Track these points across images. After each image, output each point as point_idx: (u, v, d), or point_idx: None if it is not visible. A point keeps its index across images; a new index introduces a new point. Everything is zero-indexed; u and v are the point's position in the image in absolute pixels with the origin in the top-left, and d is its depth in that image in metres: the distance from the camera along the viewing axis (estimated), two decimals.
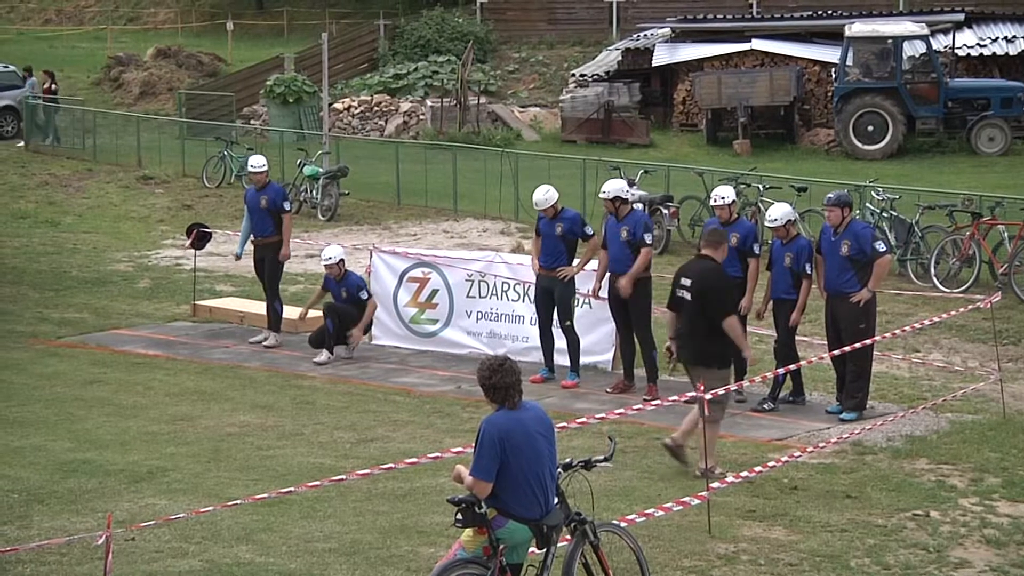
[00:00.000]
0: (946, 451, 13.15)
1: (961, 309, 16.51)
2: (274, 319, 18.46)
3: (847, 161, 33.65)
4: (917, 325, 16.12)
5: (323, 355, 17.53)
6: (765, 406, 14.98)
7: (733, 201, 15.38)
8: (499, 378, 8.25)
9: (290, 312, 19.03)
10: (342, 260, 17.84)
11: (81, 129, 37.31)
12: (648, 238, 15.36)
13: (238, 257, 19.19)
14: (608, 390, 15.74)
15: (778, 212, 14.93)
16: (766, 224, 15.40)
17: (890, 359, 16.95)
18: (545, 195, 16.09)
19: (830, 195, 14.80)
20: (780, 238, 14.95)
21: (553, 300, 16.14)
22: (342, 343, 17.79)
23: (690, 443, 12.60)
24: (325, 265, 17.94)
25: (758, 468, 12.14)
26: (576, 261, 16.19)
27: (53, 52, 53.19)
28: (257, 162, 18.67)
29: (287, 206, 18.39)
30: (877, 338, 14.77)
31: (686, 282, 12.73)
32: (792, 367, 14.48)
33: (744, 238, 15.14)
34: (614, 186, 15.72)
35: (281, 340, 18.39)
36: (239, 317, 19.76)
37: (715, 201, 15.42)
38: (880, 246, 14.39)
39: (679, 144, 37.19)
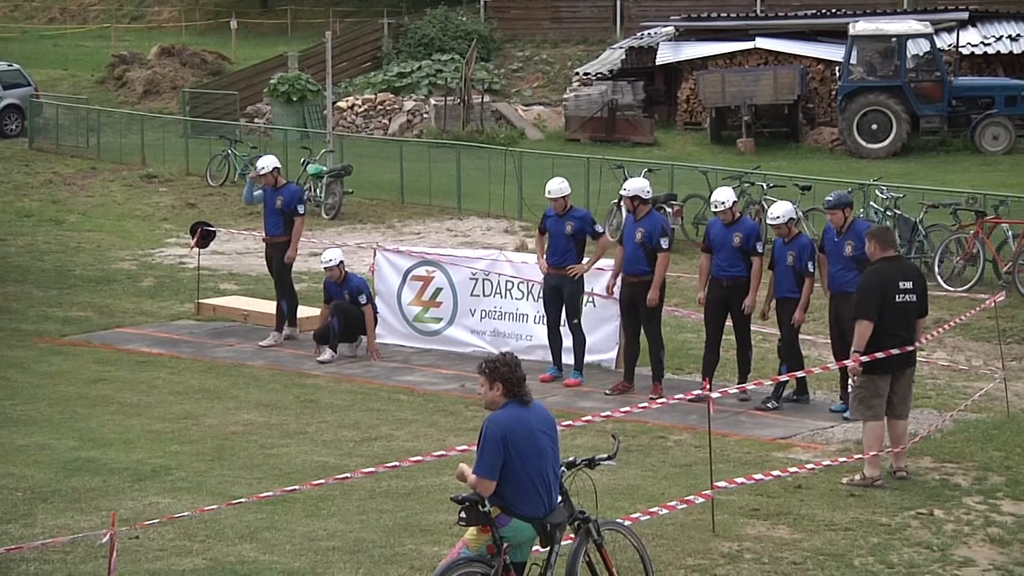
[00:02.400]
0: (950, 450, 13.14)
1: (968, 312, 16.44)
2: (280, 318, 18.45)
3: (851, 160, 33.63)
4: (930, 336, 15.99)
5: (327, 354, 17.53)
6: (769, 404, 14.97)
7: (734, 202, 15.35)
8: (520, 371, 8.32)
9: (304, 311, 18.95)
10: (342, 263, 17.77)
11: (85, 128, 37.33)
12: (664, 243, 15.32)
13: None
14: (607, 391, 15.71)
15: (780, 210, 14.92)
16: (768, 222, 15.37)
17: None
18: (559, 185, 16.13)
19: (829, 198, 14.77)
20: (782, 236, 14.93)
21: (562, 298, 16.14)
22: (347, 341, 17.80)
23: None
24: (325, 268, 17.91)
25: (776, 472, 12.13)
26: (586, 260, 16.19)
27: (57, 50, 53.23)
28: (260, 164, 18.61)
29: (301, 209, 18.25)
30: None
31: (908, 285, 12.13)
32: (799, 374, 14.39)
33: (747, 237, 15.12)
34: (634, 185, 15.69)
35: (280, 339, 18.36)
36: (243, 315, 19.76)
37: (716, 207, 15.37)
38: (810, 266, 14.31)
39: (683, 143, 37.19)
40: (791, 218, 14.88)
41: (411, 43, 45.56)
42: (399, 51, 45.63)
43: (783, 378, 14.50)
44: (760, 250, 15.21)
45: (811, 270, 14.73)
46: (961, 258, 20.97)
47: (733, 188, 17.33)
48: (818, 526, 11.06)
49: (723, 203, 15.20)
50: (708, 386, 12.17)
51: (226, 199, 30.90)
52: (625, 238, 15.62)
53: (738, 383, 14.74)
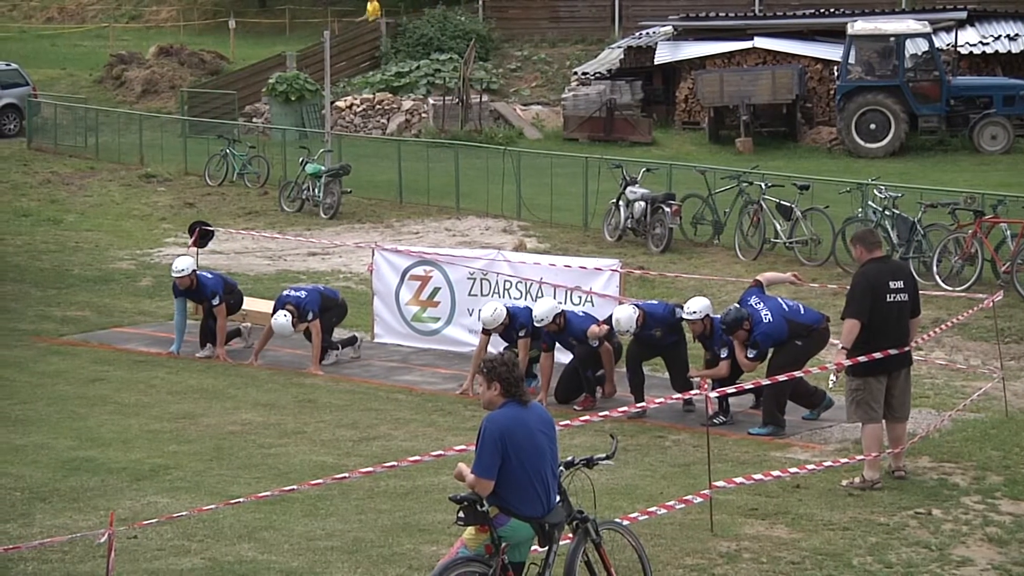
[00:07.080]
0: (948, 449, 13.14)
1: (966, 312, 16.44)
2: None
3: (849, 159, 33.63)
4: (928, 336, 15.96)
5: (332, 356, 17.54)
6: (716, 420, 14.69)
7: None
8: (518, 370, 8.36)
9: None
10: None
11: (84, 127, 37.31)
12: (607, 340, 15.26)
13: (174, 355, 17.97)
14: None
15: (697, 305, 14.73)
16: (684, 316, 14.85)
17: None
18: (493, 315, 15.73)
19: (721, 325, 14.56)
20: (696, 332, 14.80)
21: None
22: (350, 344, 17.86)
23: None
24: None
25: (774, 472, 12.12)
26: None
27: (55, 50, 53.21)
28: (177, 267, 17.94)
29: (216, 301, 17.83)
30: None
31: (898, 284, 11.98)
32: (785, 377, 14.19)
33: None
34: (545, 310, 15.33)
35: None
36: (241, 315, 19.73)
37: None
38: (723, 353, 14.44)
39: (681, 142, 37.18)
40: (707, 315, 14.69)
41: (409, 43, 45.54)
42: (397, 51, 45.61)
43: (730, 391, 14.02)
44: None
45: (723, 356, 14.53)
46: (959, 258, 20.97)
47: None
48: (816, 526, 11.06)
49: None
50: (705, 386, 12.17)
51: (224, 199, 30.91)
52: (564, 347, 15.61)
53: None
